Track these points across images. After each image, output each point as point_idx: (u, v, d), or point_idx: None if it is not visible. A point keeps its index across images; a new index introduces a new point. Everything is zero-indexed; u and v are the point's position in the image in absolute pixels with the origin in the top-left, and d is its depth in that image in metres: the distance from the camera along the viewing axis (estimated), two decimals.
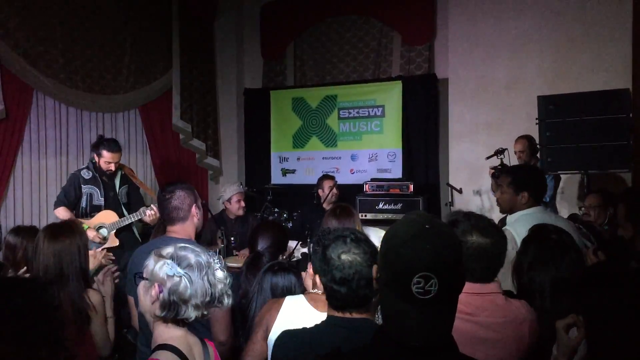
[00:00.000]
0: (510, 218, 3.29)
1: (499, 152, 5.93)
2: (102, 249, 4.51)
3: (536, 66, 6.47)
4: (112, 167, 5.01)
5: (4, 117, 5.47)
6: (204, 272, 1.82)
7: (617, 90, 5.17)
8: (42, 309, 1.94)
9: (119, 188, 5.18)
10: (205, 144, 8.02)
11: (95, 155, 5.02)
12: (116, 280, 3.08)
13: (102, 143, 5.01)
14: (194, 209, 2.81)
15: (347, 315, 1.83)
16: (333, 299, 1.85)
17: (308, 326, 2.04)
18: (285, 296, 2.34)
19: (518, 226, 2.99)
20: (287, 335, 1.94)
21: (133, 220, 5.01)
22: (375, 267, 1.45)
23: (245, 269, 3.09)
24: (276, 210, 6.92)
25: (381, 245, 1.40)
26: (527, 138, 5.77)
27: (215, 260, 1.90)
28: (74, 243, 2.80)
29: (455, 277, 1.33)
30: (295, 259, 4.41)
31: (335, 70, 8.07)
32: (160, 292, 1.79)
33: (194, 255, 1.86)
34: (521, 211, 3.21)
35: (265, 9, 8.42)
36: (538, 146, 5.45)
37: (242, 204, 5.72)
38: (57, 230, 2.83)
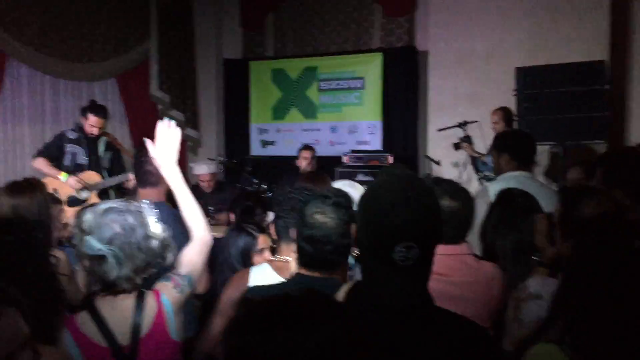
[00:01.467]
0: (496, 180, 3.33)
1: (462, 124, 6.03)
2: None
3: (515, 38, 6.48)
4: (95, 131, 5.08)
5: None
6: (132, 238, 1.72)
7: (594, 62, 5.22)
8: (32, 247, 1.94)
9: (103, 153, 5.22)
10: (184, 115, 7.93)
11: (82, 118, 5.09)
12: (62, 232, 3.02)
13: (90, 107, 5.15)
14: None
15: (316, 274, 1.81)
16: (300, 255, 1.83)
17: None
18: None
19: (497, 185, 3.03)
20: (255, 291, 1.95)
21: (115, 183, 5.09)
22: (354, 227, 1.46)
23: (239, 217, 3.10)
24: (255, 181, 6.92)
25: (360, 208, 1.39)
26: (502, 109, 5.84)
27: (150, 213, 1.81)
28: (34, 198, 2.67)
29: (435, 243, 1.36)
30: None
31: (316, 41, 8.00)
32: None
33: (120, 218, 1.74)
34: (507, 173, 3.24)
35: None
36: (515, 118, 5.49)
37: (207, 184, 5.79)
38: (16, 185, 2.73)
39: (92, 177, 5.04)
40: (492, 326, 2.09)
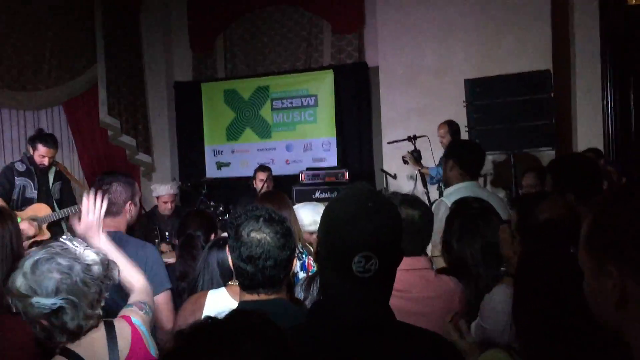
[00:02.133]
0: (446, 191, 3.39)
1: (412, 138, 6.12)
2: (33, 241, 4.45)
3: (463, 51, 6.61)
4: (46, 161, 4.94)
5: None
6: (75, 276, 1.65)
7: (539, 72, 5.34)
8: None
9: (52, 183, 5.07)
10: (136, 140, 7.78)
11: (30, 148, 4.94)
12: None
13: (39, 137, 4.99)
14: (127, 206, 2.76)
15: (256, 297, 1.77)
16: (241, 278, 1.80)
17: None
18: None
19: (452, 198, 3.06)
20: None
21: (64, 216, 4.91)
22: (314, 240, 1.44)
23: (179, 250, 3.04)
24: (212, 203, 6.83)
25: (321, 221, 1.39)
26: (448, 123, 5.95)
27: (75, 245, 1.76)
28: (6, 227, 2.68)
29: (395, 255, 1.34)
30: None
31: (267, 61, 8.01)
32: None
33: (52, 265, 1.66)
34: (456, 184, 3.29)
35: (192, 0, 8.25)
36: (466, 128, 5.57)
37: (170, 205, 5.70)
38: None
39: (41, 209, 4.86)
40: None
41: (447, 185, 3.45)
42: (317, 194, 6.84)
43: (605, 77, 6.19)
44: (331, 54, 7.65)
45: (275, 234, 1.76)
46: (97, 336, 1.75)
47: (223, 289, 2.25)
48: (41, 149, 4.88)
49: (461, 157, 3.34)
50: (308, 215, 3.36)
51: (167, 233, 5.27)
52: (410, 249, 2.07)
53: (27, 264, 1.68)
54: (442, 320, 2.01)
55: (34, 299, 1.63)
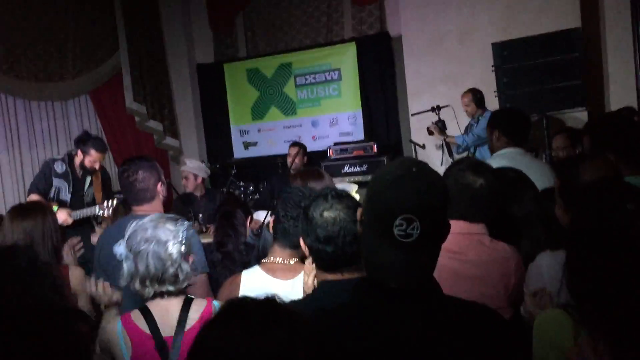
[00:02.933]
0: (490, 158, 3.33)
1: (435, 108, 6.03)
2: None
3: (487, 14, 6.48)
4: (97, 165, 4.91)
5: None
6: (145, 250, 1.94)
7: (568, 30, 5.22)
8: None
9: (87, 189, 5.01)
10: (163, 124, 7.82)
11: (80, 152, 4.84)
12: (79, 252, 3.20)
13: (90, 140, 4.89)
14: (159, 187, 2.78)
15: (339, 276, 1.73)
16: (320, 260, 1.75)
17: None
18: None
19: (494, 163, 3.02)
20: None
21: (86, 215, 4.83)
22: (360, 210, 1.42)
23: (218, 221, 3.11)
24: (241, 184, 6.87)
25: (367, 188, 1.37)
26: (471, 91, 5.88)
27: (180, 234, 1.99)
28: (46, 221, 2.79)
29: (438, 222, 1.30)
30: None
31: (287, 37, 7.94)
32: None
33: (145, 230, 1.98)
34: (499, 151, 3.26)
35: None
36: (495, 93, 5.47)
37: (190, 182, 5.69)
38: (25, 209, 2.85)
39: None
40: (511, 306, 2.05)
41: (492, 152, 3.41)
42: (346, 169, 6.83)
43: (636, 33, 5.99)
44: (352, 26, 7.55)
45: (347, 209, 1.73)
46: (173, 304, 2.00)
47: (257, 267, 2.27)
48: (94, 154, 4.81)
49: (503, 123, 3.30)
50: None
51: (200, 215, 5.31)
52: (470, 215, 2.06)
53: (134, 227, 2.04)
54: (498, 285, 1.99)
55: (120, 241, 2.05)
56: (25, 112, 6.17)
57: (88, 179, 5.01)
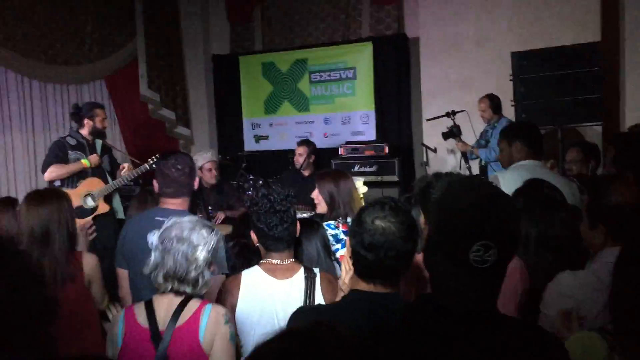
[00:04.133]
0: (510, 170, 3.28)
1: (450, 113, 6.03)
2: (95, 216, 4.68)
3: (506, 22, 6.45)
4: (107, 123, 5.17)
5: None
6: (176, 248, 2.02)
7: (588, 44, 5.21)
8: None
9: (101, 156, 5.02)
10: (175, 113, 7.84)
11: (87, 120, 4.93)
12: (91, 236, 3.28)
13: (88, 104, 5.12)
14: (196, 184, 2.86)
15: (371, 287, 1.71)
16: (359, 265, 1.72)
17: (271, 295, 2.17)
18: None
19: (508, 173, 3.02)
20: (302, 313, 1.82)
21: (118, 186, 4.93)
22: (425, 228, 1.41)
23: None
24: (251, 177, 6.86)
25: (436, 210, 1.36)
26: (489, 97, 5.85)
27: (211, 243, 2.06)
28: (62, 207, 2.81)
29: (513, 247, 1.30)
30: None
31: (305, 32, 7.94)
32: None
33: (181, 229, 2.05)
34: (518, 162, 3.21)
35: None
36: (512, 103, 5.46)
37: (214, 172, 5.58)
38: (41, 195, 2.86)
39: (94, 183, 4.84)
40: (521, 316, 2.06)
41: (506, 165, 3.36)
42: (356, 168, 6.83)
43: None
44: (370, 25, 7.53)
45: (401, 224, 1.68)
46: (173, 302, 2.06)
47: (257, 267, 2.30)
48: (100, 112, 4.98)
49: (525, 135, 3.25)
50: None
51: (210, 207, 5.32)
52: None
53: (173, 222, 2.12)
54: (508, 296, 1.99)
55: (155, 231, 2.15)
56: (40, 94, 6.18)
57: (99, 148, 5.07)
